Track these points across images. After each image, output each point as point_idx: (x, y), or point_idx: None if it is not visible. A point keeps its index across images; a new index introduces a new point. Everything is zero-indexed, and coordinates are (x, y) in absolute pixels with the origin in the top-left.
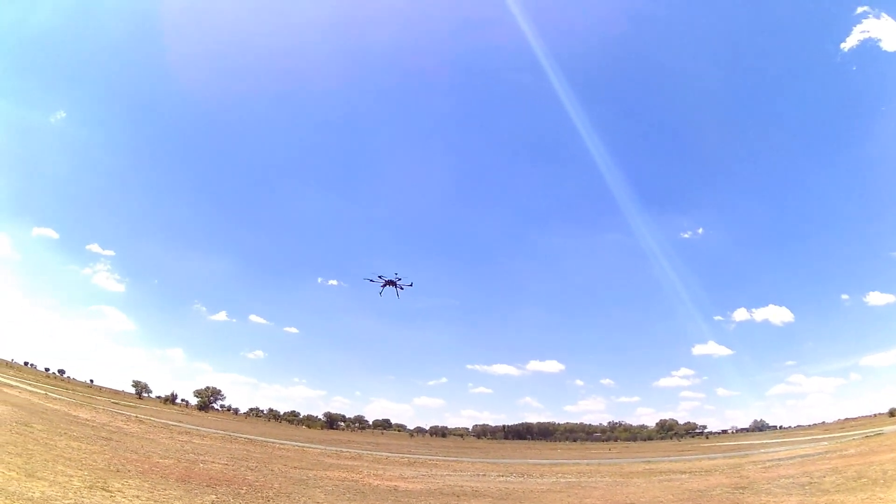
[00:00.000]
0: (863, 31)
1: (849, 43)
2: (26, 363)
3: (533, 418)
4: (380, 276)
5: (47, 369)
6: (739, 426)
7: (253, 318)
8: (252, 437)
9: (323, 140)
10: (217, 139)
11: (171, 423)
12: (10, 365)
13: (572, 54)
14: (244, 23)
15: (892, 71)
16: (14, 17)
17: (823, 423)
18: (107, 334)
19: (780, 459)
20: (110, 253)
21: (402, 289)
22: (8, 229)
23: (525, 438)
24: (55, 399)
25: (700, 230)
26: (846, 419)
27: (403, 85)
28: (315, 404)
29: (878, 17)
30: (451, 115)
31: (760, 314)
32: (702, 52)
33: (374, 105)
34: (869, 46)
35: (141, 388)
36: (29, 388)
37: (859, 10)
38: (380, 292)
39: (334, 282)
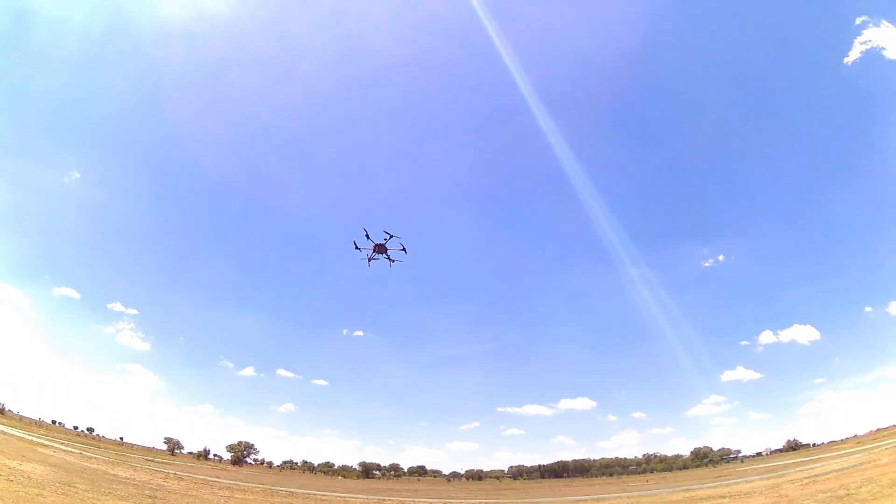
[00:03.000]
0: (864, 42)
1: (851, 56)
2: (54, 422)
3: (567, 456)
4: (367, 237)
5: (76, 427)
6: (773, 447)
7: (281, 371)
8: (292, 489)
9: (345, 192)
10: (236, 195)
11: (209, 478)
12: (39, 424)
13: (575, 90)
14: (258, 78)
15: None
16: (26, 77)
17: (856, 436)
18: (134, 392)
19: (816, 476)
20: (133, 311)
21: (393, 260)
22: (28, 290)
23: (561, 477)
24: (91, 458)
25: (721, 257)
26: (878, 430)
27: (425, 137)
28: (349, 454)
29: (878, 24)
30: (470, 164)
31: (786, 335)
32: (710, 78)
33: (393, 157)
34: (873, 56)
35: (173, 445)
36: (62, 447)
37: (858, 20)
38: (368, 262)
39: (360, 332)
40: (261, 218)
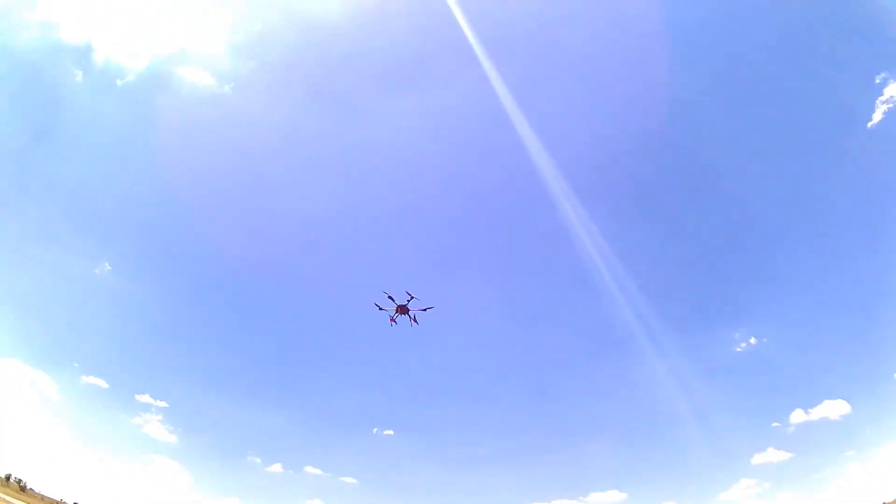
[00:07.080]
0: (885, 101)
1: (874, 119)
2: None
3: None
4: (390, 298)
5: None
6: None
7: (309, 469)
8: None
9: (376, 288)
10: (267, 290)
11: None
12: None
13: (598, 178)
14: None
15: None
16: (59, 163)
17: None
18: (159, 483)
19: None
20: (163, 404)
21: (416, 321)
22: (56, 376)
23: None
24: None
25: (752, 340)
26: None
27: (448, 228)
28: None
29: None
30: (493, 253)
31: (817, 412)
32: (734, 160)
33: (415, 245)
34: (895, 115)
35: None
36: None
37: (878, 78)
38: (391, 321)
39: (391, 432)
40: (294, 311)
